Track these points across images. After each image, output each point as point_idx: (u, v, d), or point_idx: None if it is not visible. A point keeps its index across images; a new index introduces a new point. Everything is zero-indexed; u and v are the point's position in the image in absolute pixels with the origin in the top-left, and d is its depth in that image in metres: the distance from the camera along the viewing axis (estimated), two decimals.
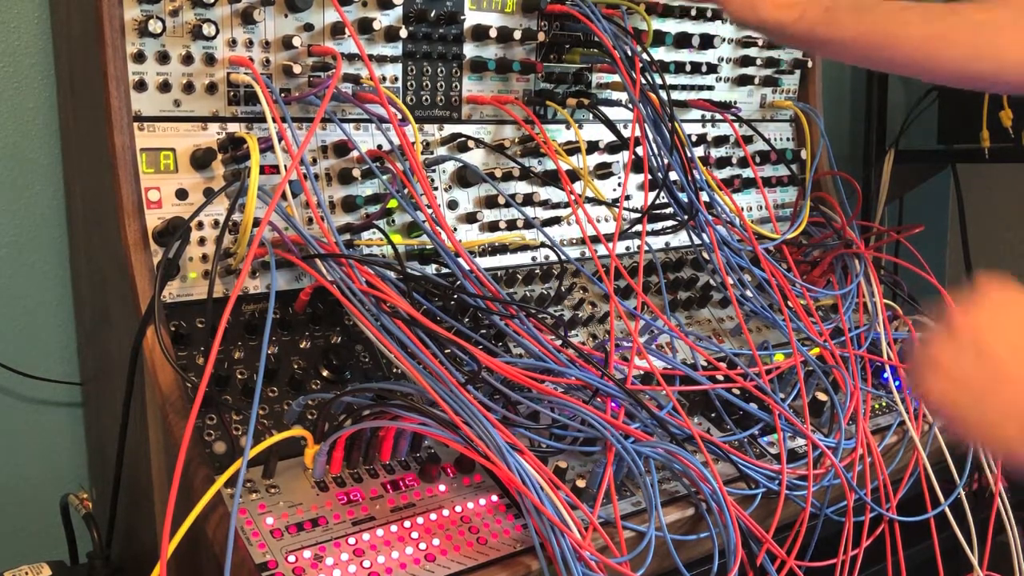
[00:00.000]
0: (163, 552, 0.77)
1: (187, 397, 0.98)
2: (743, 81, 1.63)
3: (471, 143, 1.29)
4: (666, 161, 1.32)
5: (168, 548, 0.78)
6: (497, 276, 1.29)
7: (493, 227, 1.31)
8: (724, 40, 1.57)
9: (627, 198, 1.45)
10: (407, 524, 0.95)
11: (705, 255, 1.42)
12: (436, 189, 1.28)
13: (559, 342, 1.13)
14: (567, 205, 1.38)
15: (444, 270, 1.23)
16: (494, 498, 1.01)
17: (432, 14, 1.24)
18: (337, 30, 1.16)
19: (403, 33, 1.20)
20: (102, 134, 1.04)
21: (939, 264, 2.44)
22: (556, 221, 1.39)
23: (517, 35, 1.29)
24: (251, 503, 0.92)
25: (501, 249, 1.32)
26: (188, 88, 1.08)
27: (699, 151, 1.57)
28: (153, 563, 0.78)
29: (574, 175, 1.34)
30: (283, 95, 1.13)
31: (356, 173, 1.17)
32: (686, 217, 1.35)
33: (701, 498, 1.07)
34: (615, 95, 1.44)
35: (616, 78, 1.40)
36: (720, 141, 1.60)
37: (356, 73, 1.18)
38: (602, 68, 1.43)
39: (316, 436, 0.97)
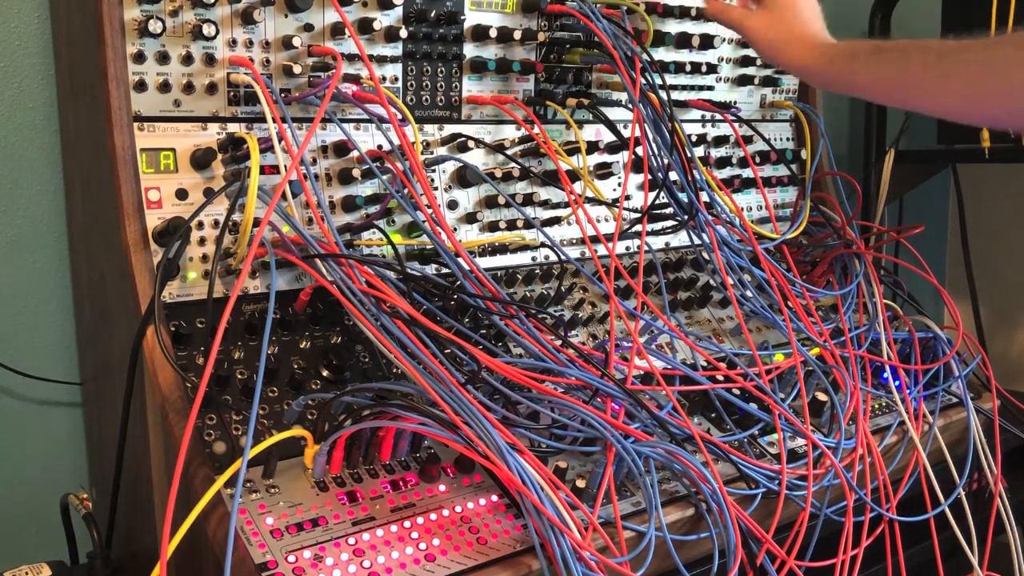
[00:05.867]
0: (163, 552, 0.77)
1: (187, 397, 0.98)
2: (743, 81, 1.63)
3: (471, 143, 1.29)
4: (666, 161, 1.32)
5: (168, 548, 0.78)
6: (497, 276, 1.29)
7: (493, 227, 1.31)
8: (724, 40, 1.57)
9: (627, 198, 1.45)
10: (407, 524, 0.95)
11: (705, 255, 1.42)
12: (436, 189, 1.28)
13: (559, 342, 1.13)
14: (567, 205, 1.38)
15: (444, 270, 1.23)
16: (494, 498, 1.01)
17: (432, 14, 1.24)
18: (337, 30, 1.16)
19: (403, 33, 1.20)
20: (102, 134, 1.04)
21: (939, 264, 2.44)
22: (556, 221, 1.39)
23: (517, 35, 1.29)
24: (251, 503, 0.92)
25: (501, 249, 1.32)
26: (188, 88, 1.08)
27: (699, 151, 1.57)
28: (153, 563, 0.78)
29: (574, 175, 1.34)
30: (283, 95, 1.13)
31: (356, 173, 1.17)
32: (686, 217, 1.35)
33: (701, 498, 1.07)
34: (615, 95, 1.44)
35: (616, 78, 1.40)
36: (720, 141, 1.60)
37: (356, 73, 1.18)
38: (602, 68, 1.43)
39: (316, 436, 0.97)
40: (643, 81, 1.28)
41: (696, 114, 1.58)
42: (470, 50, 1.30)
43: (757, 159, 1.64)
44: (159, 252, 1.04)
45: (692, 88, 1.56)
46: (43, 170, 1.31)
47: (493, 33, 1.28)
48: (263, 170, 1.10)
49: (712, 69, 1.51)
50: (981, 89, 1.04)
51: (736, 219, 1.45)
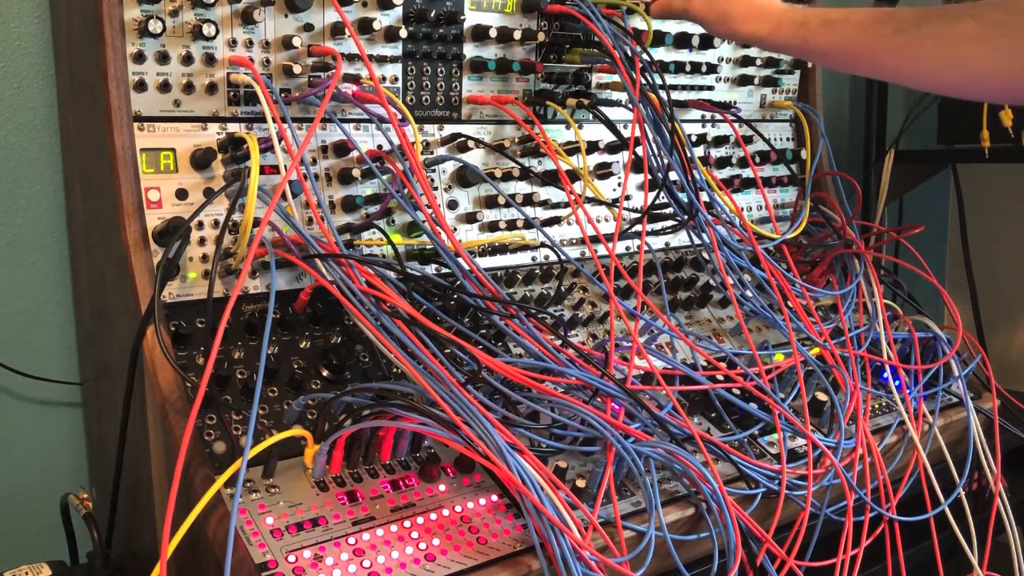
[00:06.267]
0: (163, 552, 0.77)
1: (187, 397, 0.98)
2: (743, 81, 1.63)
3: (471, 143, 1.29)
4: (666, 161, 1.32)
5: (168, 548, 0.78)
6: (497, 276, 1.29)
7: (493, 227, 1.31)
8: (724, 40, 1.57)
9: (627, 198, 1.45)
10: (407, 524, 0.95)
11: (705, 255, 1.42)
12: (436, 189, 1.28)
13: (559, 342, 1.13)
14: (567, 205, 1.38)
15: (444, 270, 1.23)
16: (494, 498, 1.01)
17: (432, 14, 1.24)
18: (337, 30, 1.16)
19: (403, 33, 1.20)
20: (102, 134, 1.04)
21: (939, 264, 2.44)
22: (556, 221, 1.39)
23: (517, 35, 1.29)
24: (251, 503, 0.92)
25: (501, 249, 1.32)
26: (188, 88, 1.08)
27: (699, 151, 1.57)
28: (153, 563, 0.78)
29: (574, 175, 1.34)
30: (283, 95, 1.13)
31: (356, 173, 1.17)
32: (686, 217, 1.35)
33: (701, 498, 1.07)
34: (615, 95, 1.44)
35: (616, 78, 1.40)
36: (720, 141, 1.60)
37: (356, 73, 1.18)
38: (602, 68, 1.43)
39: (316, 436, 0.97)
40: (643, 81, 1.28)
41: (696, 114, 1.58)
42: (470, 50, 1.30)
43: (757, 159, 1.64)
44: (159, 252, 1.04)
45: (692, 88, 1.56)
46: (43, 170, 1.31)
47: (493, 33, 1.28)
48: (263, 170, 1.10)
49: (712, 69, 1.51)
50: (941, 62, 1.03)
51: (736, 219, 1.45)
